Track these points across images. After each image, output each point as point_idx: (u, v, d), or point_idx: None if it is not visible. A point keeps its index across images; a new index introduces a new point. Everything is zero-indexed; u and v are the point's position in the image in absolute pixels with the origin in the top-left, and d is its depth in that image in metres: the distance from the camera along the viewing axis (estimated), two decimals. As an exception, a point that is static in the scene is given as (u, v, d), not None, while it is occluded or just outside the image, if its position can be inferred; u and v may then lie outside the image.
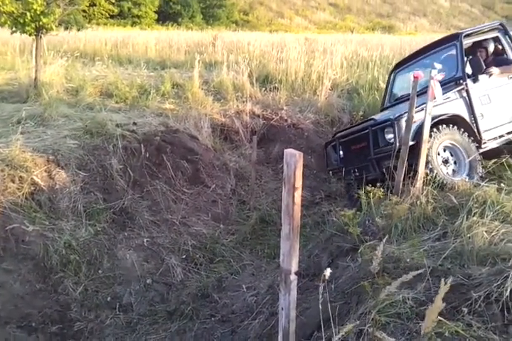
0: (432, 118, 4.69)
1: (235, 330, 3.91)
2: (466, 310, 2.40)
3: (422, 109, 4.59)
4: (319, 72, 9.83)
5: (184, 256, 5.13)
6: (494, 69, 5.21)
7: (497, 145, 5.33)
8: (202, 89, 8.39)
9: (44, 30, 7.11)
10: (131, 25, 26.19)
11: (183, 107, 7.61)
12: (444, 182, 4.41)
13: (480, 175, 4.77)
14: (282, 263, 2.30)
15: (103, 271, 4.60)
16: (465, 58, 5.28)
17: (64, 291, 4.28)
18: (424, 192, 4.05)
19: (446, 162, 4.86)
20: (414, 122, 4.71)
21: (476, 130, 5.06)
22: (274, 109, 8.34)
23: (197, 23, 29.85)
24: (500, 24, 5.61)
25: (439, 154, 4.83)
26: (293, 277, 2.27)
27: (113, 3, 26.18)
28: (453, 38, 5.48)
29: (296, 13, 44.70)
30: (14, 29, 6.95)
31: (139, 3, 29.63)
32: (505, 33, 5.55)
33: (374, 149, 5.10)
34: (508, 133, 5.26)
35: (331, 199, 6.58)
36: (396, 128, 4.81)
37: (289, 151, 2.17)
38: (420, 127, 4.59)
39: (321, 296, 2.12)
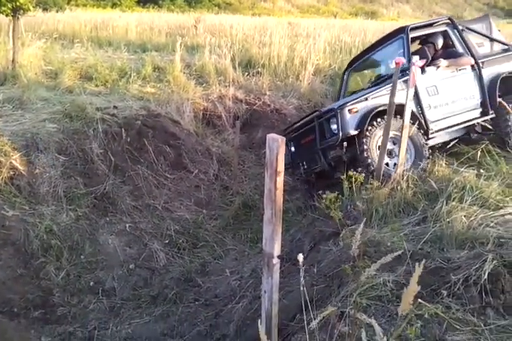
0: (375, 108, 4.85)
1: (219, 314, 3.95)
2: (445, 292, 2.46)
3: (366, 99, 4.87)
4: (302, 57, 9.76)
5: (167, 241, 5.13)
6: (442, 62, 5.30)
7: (448, 139, 5.41)
8: (184, 72, 8.26)
9: (21, 11, 6.88)
10: (112, 7, 25.46)
11: (165, 91, 7.49)
12: (384, 174, 4.41)
13: (427, 161, 4.83)
14: (265, 247, 2.32)
15: (85, 256, 4.59)
16: (411, 50, 5.38)
17: (46, 276, 4.26)
18: (405, 178, 4.11)
19: (390, 154, 4.88)
20: (357, 112, 4.86)
21: (423, 121, 5.14)
22: (257, 94, 8.28)
23: (178, 6, 29.21)
24: (449, 18, 5.73)
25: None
26: (275, 261, 2.30)
27: (92, -16, 25.44)
28: (400, 32, 5.59)
29: (279, -4, 44.16)
30: (-11, 9, 6.71)
31: (119, -17, 28.81)
32: (454, 27, 5.64)
33: (320, 140, 5.13)
34: (459, 124, 5.34)
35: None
36: (339, 118, 4.84)
37: (271, 136, 2.16)
38: (364, 116, 4.76)
39: (302, 279, 2.15)
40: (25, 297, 4.05)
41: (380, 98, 4.95)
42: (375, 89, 5.14)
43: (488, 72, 5.51)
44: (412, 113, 5.00)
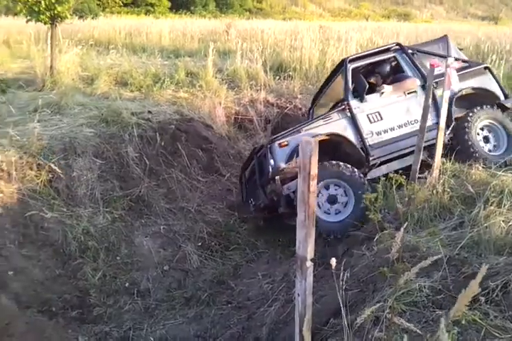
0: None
1: (251, 317, 3.96)
2: (483, 299, 2.39)
3: (299, 131, 4.86)
4: (334, 61, 9.72)
5: (200, 244, 5.20)
6: (385, 88, 5.20)
7: (405, 165, 4.91)
8: (216, 77, 8.36)
9: (59, 19, 7.11)
10: (145, 14, 26.07)
11: (198, 96, 7.61)
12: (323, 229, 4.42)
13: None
14: (298, 250, 2.32)
15: (121, 257, 4.70)
16: (350, 81, 5.25)
17: (83, 277, 4.38)
18: (441, 181, 4.03)
19: (332, 200, 4.73)
20: (286, 145, 4.80)
21: (363, 148, 5.01)
22: (288, 97, 8.32)
23: (210, 11, 29.68)
24: (397, 44, 5.61)
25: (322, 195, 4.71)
26: (309, 264, 2.29)
27: (126, -9, 26.11)
28: (341, 64, 5.54)
29: (310, 0, 44.13)
30: (29, 17, 6.97)
31: (152, -9, 29.50)
32: (403, 51, 5.48)
33: (260, 176, 5.10)
34: (411, 147, 4.92)
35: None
36: (269, 152, 4.84)
37: (304, 139, 2.17)
38: (293, 151, 4.68)
39: (341, 283, 2.14)
40: (63, 297, 4.17)
41: (314, 129, 4.91)
42: (310, 121, 5.14)
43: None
44: (349, 142, 4.93)
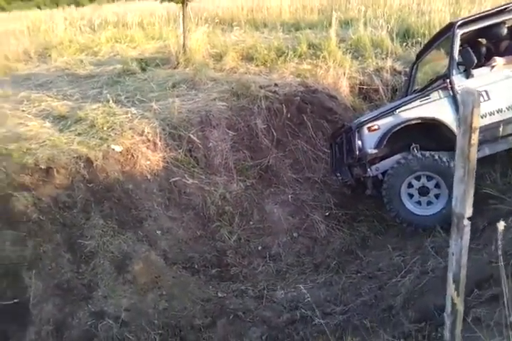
0: (397, 124, 4.41)
1: (383, 287, 3.92)
2: None
3: (392, 113, 4.50)
4: (467, 23, 8.88)
5: (327, 214, 5.28)
6: (497, 60, 4.42)
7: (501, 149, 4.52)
8: (339, 47, 8.16)
9: (189, -3, 7.46)
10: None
11: (321, 67, 7.50)
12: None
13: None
14: (455, 208, 2.24)
15: (253, 222, 5.01)
16: (457, 51, 4.50)
17: (220, 238, 4.77)
18: None
19: (425, 192, 4.43)
20: (378, 129, 4.47)
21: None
22: (416, 64, 7.83)
23: (328, -19, 28.74)
24: None
25: (411, 186, 4.44)
26: (466, 222, 2.21)
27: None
28: (448, 29, 4.76)
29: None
30: (164, -3, 7.43)
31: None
32: None
33: (347, 155, 4.82)
34: None
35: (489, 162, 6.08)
36: (357, 137, 4.55)
37: (465, 89, 2.09)
38: (385, 134, 4.40)
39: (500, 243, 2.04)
40: (204, 256, 4.59)
41: (409, 111, 4.48)
42: (405, 101, 4.61)
43: None
44: (447, 129, 4.36)
